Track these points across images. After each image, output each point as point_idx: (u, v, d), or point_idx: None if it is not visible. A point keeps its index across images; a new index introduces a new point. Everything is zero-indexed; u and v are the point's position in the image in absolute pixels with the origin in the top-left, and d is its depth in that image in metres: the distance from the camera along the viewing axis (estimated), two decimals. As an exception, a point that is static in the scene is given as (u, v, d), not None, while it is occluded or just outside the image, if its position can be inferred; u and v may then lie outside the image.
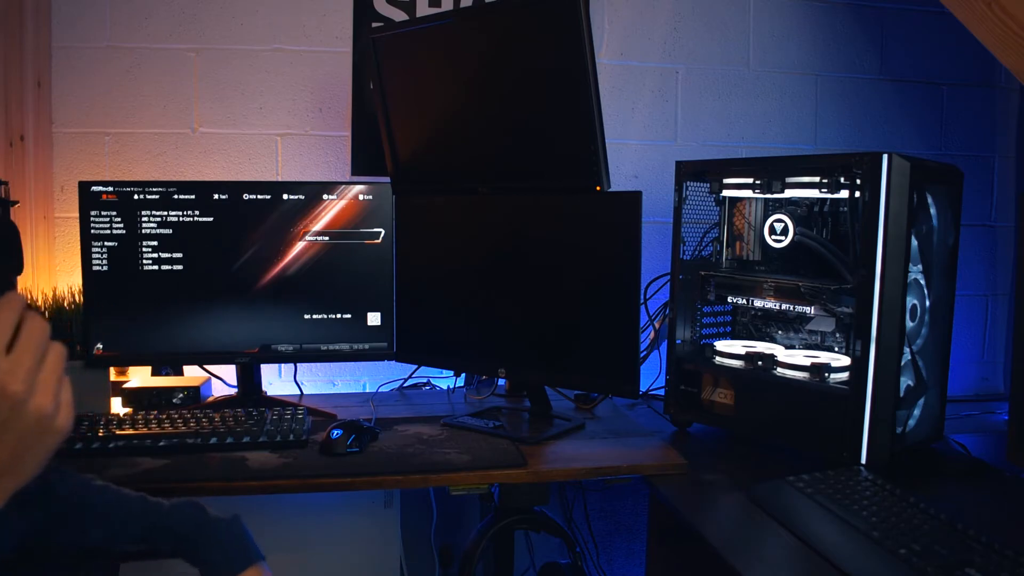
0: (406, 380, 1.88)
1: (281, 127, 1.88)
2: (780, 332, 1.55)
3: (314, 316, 1.63)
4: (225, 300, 1.60)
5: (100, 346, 1.57)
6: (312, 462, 1.28)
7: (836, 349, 1.44)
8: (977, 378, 2.17)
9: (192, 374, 1.78)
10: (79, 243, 1.58)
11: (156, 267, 1.57)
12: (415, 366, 1.84)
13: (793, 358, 1.40)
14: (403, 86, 1.61)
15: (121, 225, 1.56)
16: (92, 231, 1.56)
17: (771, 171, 1.44)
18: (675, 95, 2.03)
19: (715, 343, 1.55)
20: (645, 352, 1.74)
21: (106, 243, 1.56)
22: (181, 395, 1.63)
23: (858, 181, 1.29)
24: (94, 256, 1.56)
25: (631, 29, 1.99)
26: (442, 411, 1.62)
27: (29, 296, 1.62)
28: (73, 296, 1.65)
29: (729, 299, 1.57)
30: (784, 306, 1.45)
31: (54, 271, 1.83)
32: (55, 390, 0.55)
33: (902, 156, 1.26)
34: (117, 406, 1.62)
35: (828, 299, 1.38)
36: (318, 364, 1.90)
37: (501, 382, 1.78)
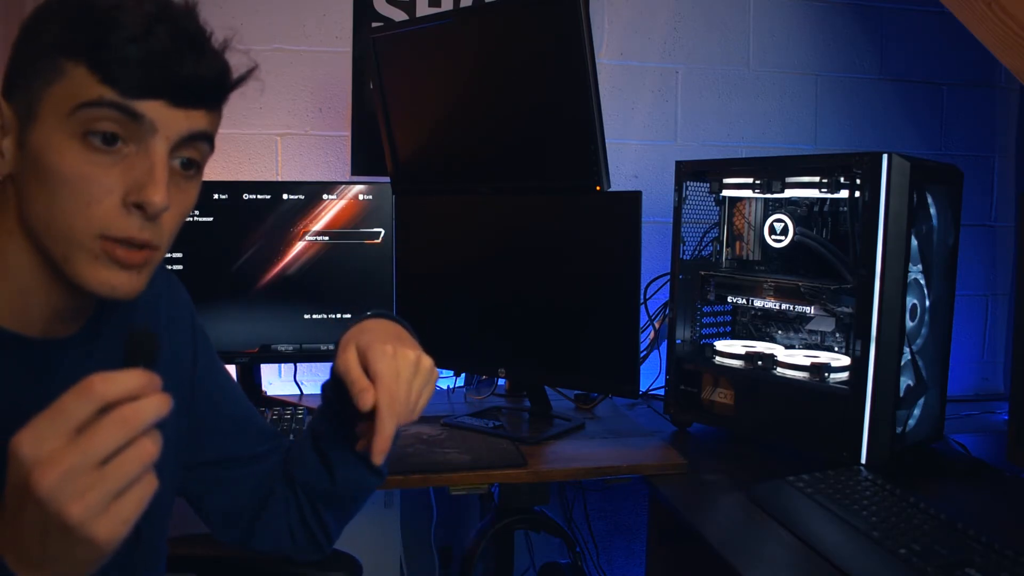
0: (406, 380, 1.88)
1: (281, 127, 1.88)
2: (780, 332, 1.55)
3: (314, 316, 1.63)
4: (225, 300, 1.60)
5: (100, 346, 1.57)
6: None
7: (836, 349, 1.44)
8: (977, 378, 2.17)
9: (192, 374, 1.77)
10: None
11: (156, 267, 1.57)
12: (415, 366, 1.83)
13: (793, 358, 1.40)
14: (403, 86, 1.61)
15: (121, 225, 1.56)
16: (92, 231, 1.56)
17: (771, 171, 1.44)
18: (675, 95, 2.03)
19: (715, 343, 1.55)
20: (645, 352, 1.74)
21: (106, 243, 1.56)
22: (181, 395, 1.63)
23: (858, 181, 1.29)
24: (94, 256, 1.56)
25: (631, 29, 1.99)
26: (442, 411, 1.62)
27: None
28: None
29: (729, 299, 1.57)
30: (784, 306, 1.45)
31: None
32: (124, 526, 0.49)
33: (902, 156, 1.26)
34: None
35: (828, 299, 1.38)
36: (318, 364, 1.90)
37: (501, 382, 1.78)
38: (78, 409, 0.48)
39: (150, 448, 0.50)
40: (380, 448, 0.71)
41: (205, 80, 0.63)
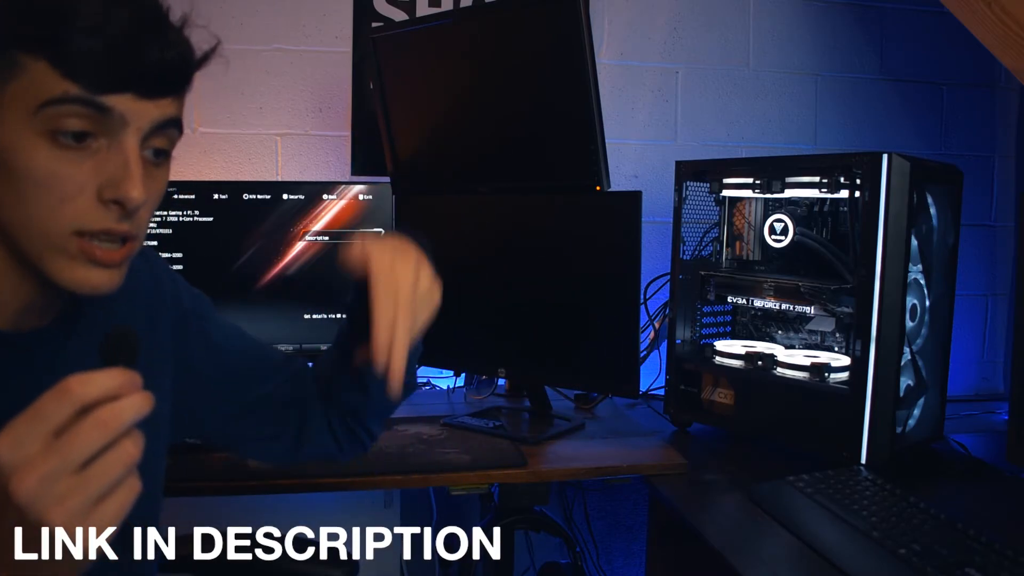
0: (406, 380, 1.88)
1: (281, 127, 1.88)
2: (780, 332, 1.55)
3: (314, 316, 1.63)
4: (225, 300, 1.59)
5: (100, 346, 1.56)
6: (312, 462, 1.28)
7: (836, 349, 1.44)
8: (977, 378, 2.17)
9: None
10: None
11: (156, 267, 1.57)
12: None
13: (793, 358, 1.40)
14: (403, 86, 1.61)
15: (121, 225, 1.56)
16: (92, 231, 1.56)
17: (771, 171, 1.44)
18: (675, 95, 2.03)
19: (715, 343, 1.55)
20: (645, 352, 1.74)
21: (106, 243, 1.56)
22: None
23: (858, 181, 1.29)
24: (94, 256, 1.56)
25: (631, 29, 1.99)
26: (442, 411, 1.62)
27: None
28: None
29: (729, 299, 1.57)
30: (784, 306, 1.45)
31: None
32: (101, 535, 0.48)
33: (902, 156, 1.26)
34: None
35: (828, 299, 1.38)
36: (318, 364, 1.90)
37: (501, 382, 1.78)
38: (56, 412, 0.47)
39: (131, 450, 0.48)
40: (381, 343, 0.69)
41: (170, 67, 0.61)
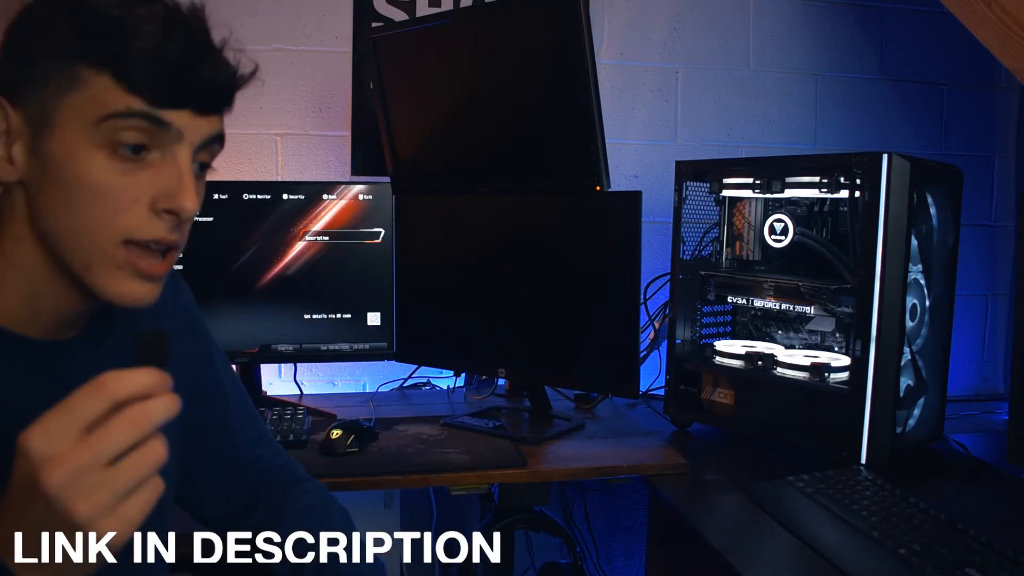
0: (406, 380, 1.88)
1: (281, 127, 1.88)
2: (780, 332, 1.55)
3: (314, 316, 1.63)
4: (225, 300, 1.60)
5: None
6: (312, 462, 1.28)
7: (836, 349, 1.44)
8: (977, 378, 2.17)
9: (192, 374, 1.77)
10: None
11: (156, 267, 1.57)
12: (415, 366, 1.84)
13: (793, 358, 1.40)
14: (403, 86, 1.61)
15: (121, 225, 1.56)
16: (92, 231, 1.56)
17: (771, 171, 1.44)
18: (675, 95, 2.03)
19: (715, 343, 1.55)
20: (645, 352, 1.74)
21: (106, 243, 1.56)
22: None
23: (858, 181, 1.29)
24: (94, 256, 1.56)
25: (631, 29, 1.99)
26: (442, 411, 1.62)
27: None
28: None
29: (729, 299, 1.57)
30: (784, 306, 1.45)
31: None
32: (130, 528, 0.49)
33: (902, 156, 1.26)
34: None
35: (828, 299, 1.38)
36: (318, 364, 1.90)
37: (501, 382, 1.78)
38: (89, 407, 0.48)
39: (159, 450, 0.49)
40: None
41: (223, 86, 0.65)
